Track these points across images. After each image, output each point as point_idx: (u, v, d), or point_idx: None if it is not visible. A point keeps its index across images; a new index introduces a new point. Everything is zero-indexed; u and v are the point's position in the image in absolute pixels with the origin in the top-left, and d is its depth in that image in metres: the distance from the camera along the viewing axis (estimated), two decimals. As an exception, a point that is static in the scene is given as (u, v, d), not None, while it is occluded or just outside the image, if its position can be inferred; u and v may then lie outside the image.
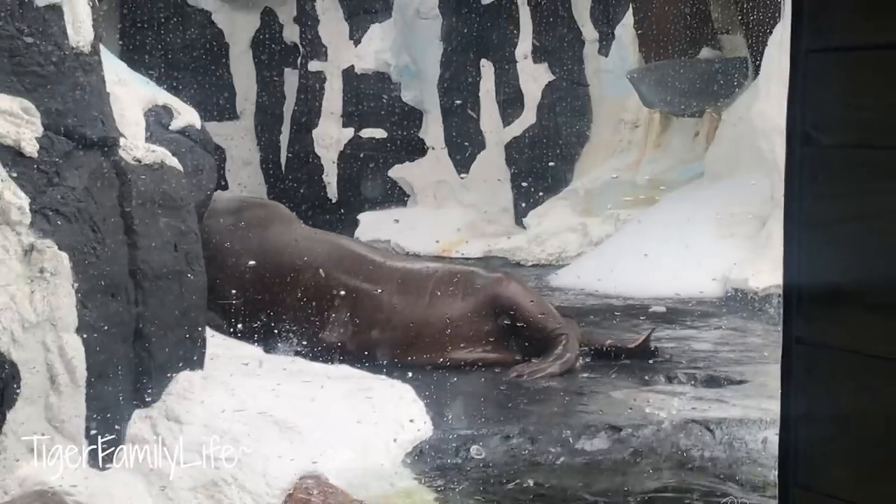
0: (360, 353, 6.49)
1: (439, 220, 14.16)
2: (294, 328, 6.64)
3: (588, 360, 6.69)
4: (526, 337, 6.68)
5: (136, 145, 4.59)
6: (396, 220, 13.91)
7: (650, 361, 6.63)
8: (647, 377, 6.34)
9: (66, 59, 4.15)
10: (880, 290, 1.33)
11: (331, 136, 15.74)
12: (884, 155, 1.30)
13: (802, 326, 1.40)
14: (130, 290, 4.40)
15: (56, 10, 4.13)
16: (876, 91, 1.32)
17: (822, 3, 1.36)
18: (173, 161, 4.83)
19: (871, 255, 1.33)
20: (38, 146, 3.97)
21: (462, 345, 6.67)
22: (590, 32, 14.22)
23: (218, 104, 15.93)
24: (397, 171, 15.46)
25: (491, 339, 6.70)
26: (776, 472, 1.42)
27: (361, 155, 15.58)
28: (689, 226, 9.76)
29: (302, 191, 15.46)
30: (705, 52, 11.39)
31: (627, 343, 6.79)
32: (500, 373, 6.48)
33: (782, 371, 1.41)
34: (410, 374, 5.93)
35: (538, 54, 14.53)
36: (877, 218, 1.32)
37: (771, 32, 9.62)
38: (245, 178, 15.90)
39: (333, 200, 15.69)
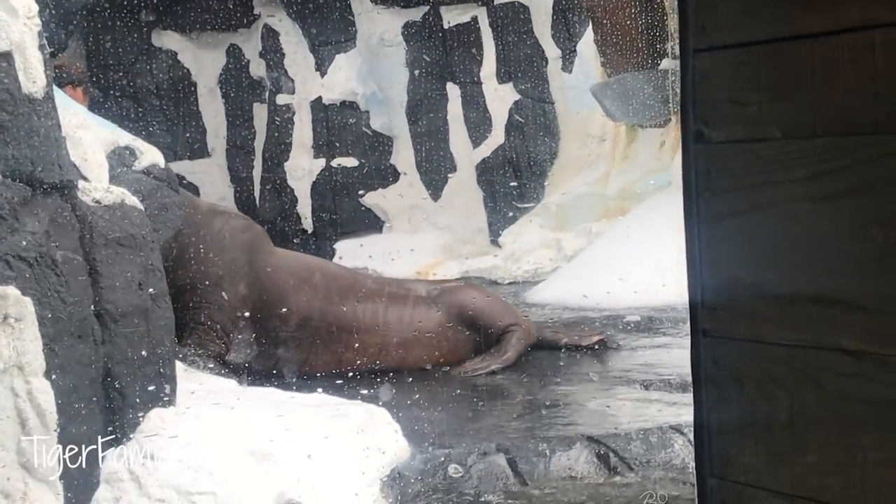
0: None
1: (415, 244, 14.20)
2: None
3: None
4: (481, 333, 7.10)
5: (94, 187, 4.63)
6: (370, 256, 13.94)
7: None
8: (623, 385, 6.40)
9: (20, 105, 4.18)
10: (776, 280, 1.37)
11: (303, 168, 15.78)
12: (768, 147, 1.35)
13: (707, 319, 1.44)
14: (97, 331, 4.42)
15: (6, 58, 4.16)
16: (758, 85, 1.37)
17: (705, 2, 1.41)
18: (133, 200, 4.86)
19: (766, 246, 1.38)
20: (-5, 194, 3.99)
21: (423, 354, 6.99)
22: (552, 50, 14.33)
23: (189, 143, 15.97)
24: (371, 199, 15.50)
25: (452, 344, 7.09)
26: (693, 465, 1.46)
27: (334, 184, 15.62)
28: (660, 234, 9.80)
29: (277, 223, 15.49)
30: (666, 63, 11.48)
31: (581, 341, 7.44)
32: (450, 370, 6.85)
33: (692, 364, 1.45)
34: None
35: (503, 74, 14.63)
36: (767, 209, 1.37)
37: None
38: (220, 214, 15.88)
39: (309, 231, 15.72)
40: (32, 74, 4.30)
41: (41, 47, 4.40)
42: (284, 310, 6.76)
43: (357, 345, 6.85)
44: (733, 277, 1.40)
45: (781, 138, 1.34)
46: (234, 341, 6.69)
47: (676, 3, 1.44)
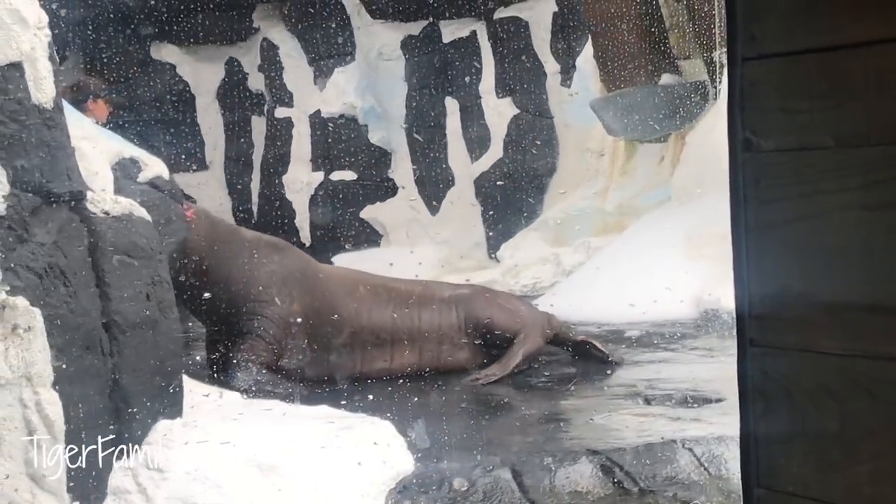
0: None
1: (413, 258, 14.18)
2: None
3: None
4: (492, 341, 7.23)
5: (103, 198, 4.61)
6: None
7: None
8: (626, 399, 6.39)
9: (30, 116, 4.17)
10: (828, 289, 1.37)
11: (301, 181, 15.77)
12: (820, 156, 1.34)
13: (755, 329, 1.43)
14: (105, 342, 4.41)
15: (17, 69, 4.15)
16: (809, 94, 1.36)
17: (755, 11, 1.40)
18: (141, 212, 4.85)
19: (816, 254, 1.37)
20: (5, 204, 3.98)
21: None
22: (551, 65, 14.34)
23: (187, 155, 15.93)
24: (369, 212, 15.50)
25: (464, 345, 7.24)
26: (739, 474, 1.45)
27: (332, 198, 15.61)
28: (659, 249, 9.81)
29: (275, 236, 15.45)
30: (666, 78, 11.49)
31: (596, 342, 7.53)
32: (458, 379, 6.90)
33: (738, 374, 1.44)
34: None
35: (502, 89, 14.64)
36: (818, 218, 1.36)
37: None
38: (217, 227, 15.87)
39: (307, 244, 15.69)
40: (42, 84, 4.29)
41: (51, 58, 4.39)
42: (335, 316, 6.91)
43: (404, 349, 6.98)
44: (783, 286, 1.39)
45: (835, 147, 1.33)
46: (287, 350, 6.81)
47: (725, 11, 1.43)
